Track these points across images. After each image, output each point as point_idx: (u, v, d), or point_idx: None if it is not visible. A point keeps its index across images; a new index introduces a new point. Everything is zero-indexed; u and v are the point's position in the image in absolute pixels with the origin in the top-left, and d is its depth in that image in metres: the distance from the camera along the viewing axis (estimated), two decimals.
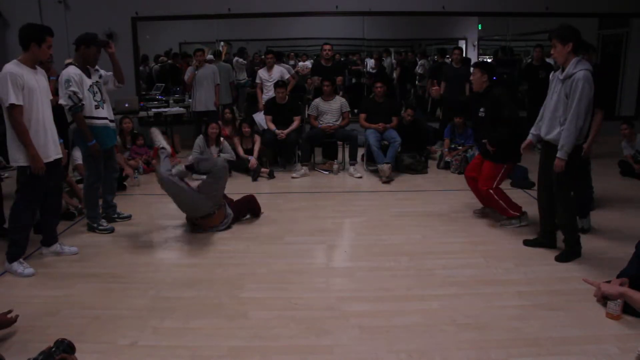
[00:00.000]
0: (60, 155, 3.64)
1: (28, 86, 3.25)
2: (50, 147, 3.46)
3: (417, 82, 9.66)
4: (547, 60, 7.08)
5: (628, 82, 8.62)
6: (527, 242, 3.86)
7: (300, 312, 2.91)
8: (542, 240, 3.80)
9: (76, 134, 4.16)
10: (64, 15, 7.75)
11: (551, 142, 3.45)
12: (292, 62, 8.91)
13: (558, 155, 3.34)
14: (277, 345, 2.59)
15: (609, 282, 2.91)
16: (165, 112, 7.69)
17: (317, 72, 6.83)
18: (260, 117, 6.75)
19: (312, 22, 8.50)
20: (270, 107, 6.53)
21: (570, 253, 3.58)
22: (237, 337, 2.66)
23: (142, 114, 7.44)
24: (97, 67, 4.15)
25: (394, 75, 9.73)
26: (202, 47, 7.56)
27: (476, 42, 8.73)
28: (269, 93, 6.88)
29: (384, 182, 5.80)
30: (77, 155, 5.12)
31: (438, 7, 8.05)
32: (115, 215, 4.55)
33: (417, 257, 3.67)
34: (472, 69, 4.47)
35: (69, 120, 4.12)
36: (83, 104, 3.96)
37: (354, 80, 9.27)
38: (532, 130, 3.72)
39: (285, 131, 6.30)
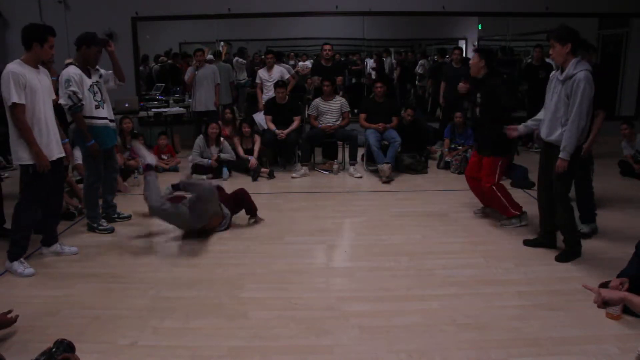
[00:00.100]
0: (63, 154, 3.65)
1: (30, 85, 3.27)
2: (53, 146, 3.48)
3: (417, 82, 9.66)
4: (547, 60, 7.07)
5: (628, 82, 8.63)
6: (527, 242, 3.86)
7: (300, 312, 2.91)
8: (542, 240, 3.80)
9: (76, 134, 4.17)
10: (64, 15, 7.75)
11: (553, 143, 3.46)
12: (292, 62, 8.90)
13: (561, 156, 3.34)
14: (277, 345, 2.59)
15: (608, 282, 2.90)
16: (165, 112, 7.70)
17: (317, 72, 6.82)
18: (260, 117, 6.75)
19: (312, 22, 8.51)
20: (270, 107, 6.53)
21: (570, 253, 3.58)
22: (237, 337, 2.66)
23: (142, 114, 7.45)
24: (97, 66, 4.16)
25: (394, 75, 9.72)
26: (202, 47, 7.57)
27: (476, 42, 8.73)
28: (269, 93, 6.88)
29: (384, 182, 5.80)
30: (77, 155, 5.11)
31: (438, 7, 8.05)
32: (115, 215, 4.55)
33: (417, 257, 3.67)
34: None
35: (68, 120, 4.13)
36: (82, 104, 3.96)
37: (354, 80, 9.27)
38: (527, 122, 3.71)
39: (285, 131, 6.29)
